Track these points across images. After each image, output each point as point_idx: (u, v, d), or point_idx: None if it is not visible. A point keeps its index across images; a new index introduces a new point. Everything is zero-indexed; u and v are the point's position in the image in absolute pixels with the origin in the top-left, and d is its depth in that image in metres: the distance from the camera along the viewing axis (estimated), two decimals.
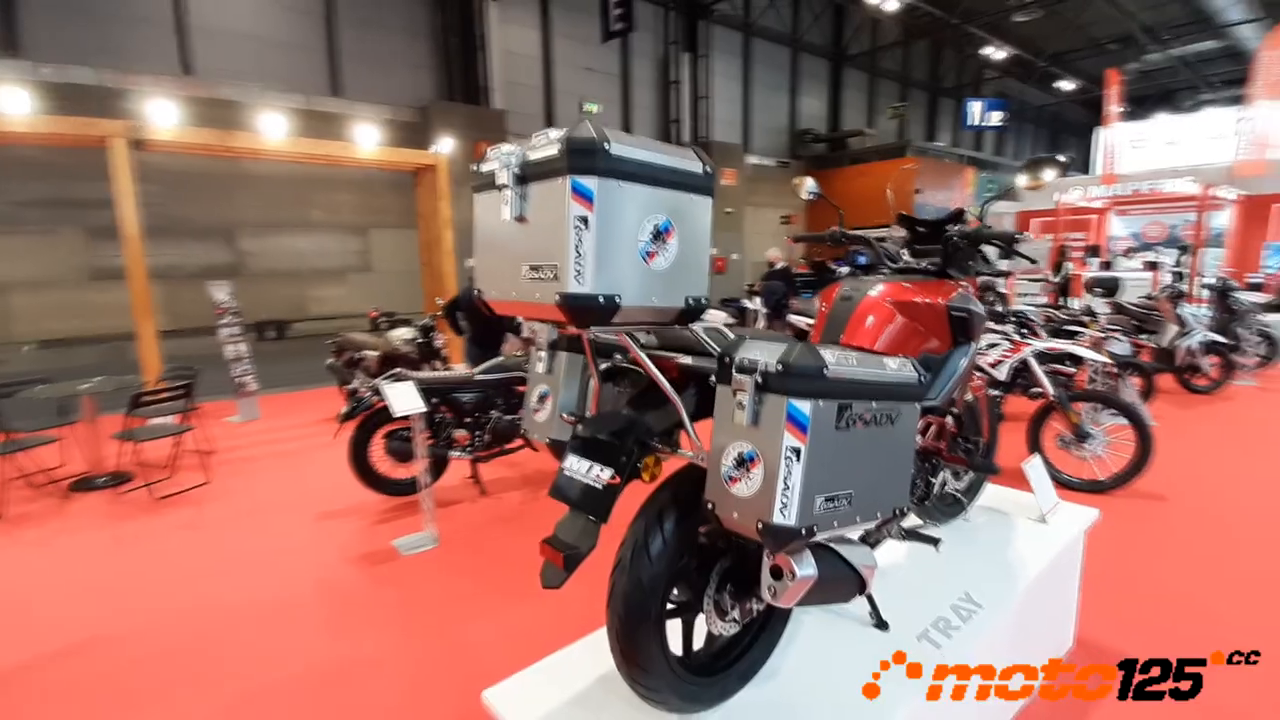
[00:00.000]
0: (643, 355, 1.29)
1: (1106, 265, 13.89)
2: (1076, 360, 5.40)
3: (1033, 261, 2.14)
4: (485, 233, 1.26)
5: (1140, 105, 23.48)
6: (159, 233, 10.30)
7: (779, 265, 8.78)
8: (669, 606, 1.43)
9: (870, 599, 1.90)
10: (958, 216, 2.12)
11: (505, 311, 1.28)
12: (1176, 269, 13.33)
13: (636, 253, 1.13)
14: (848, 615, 1.90)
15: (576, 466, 1.38)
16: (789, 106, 20.50)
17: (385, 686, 2.35)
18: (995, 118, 22.44)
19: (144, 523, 3.92)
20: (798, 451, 1.09)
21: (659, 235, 1.15)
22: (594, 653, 1.75)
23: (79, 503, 4.27)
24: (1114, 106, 17.56)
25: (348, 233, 12.47)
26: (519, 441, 4.34)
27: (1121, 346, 5.92)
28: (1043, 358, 4.49)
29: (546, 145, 1.09)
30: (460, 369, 4.78)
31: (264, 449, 5.43)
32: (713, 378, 1.37)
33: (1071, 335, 5.72)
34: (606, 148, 1.05)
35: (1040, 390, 4.22)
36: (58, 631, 2.75)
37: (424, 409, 3.46)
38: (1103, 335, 5.64)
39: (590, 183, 1.04)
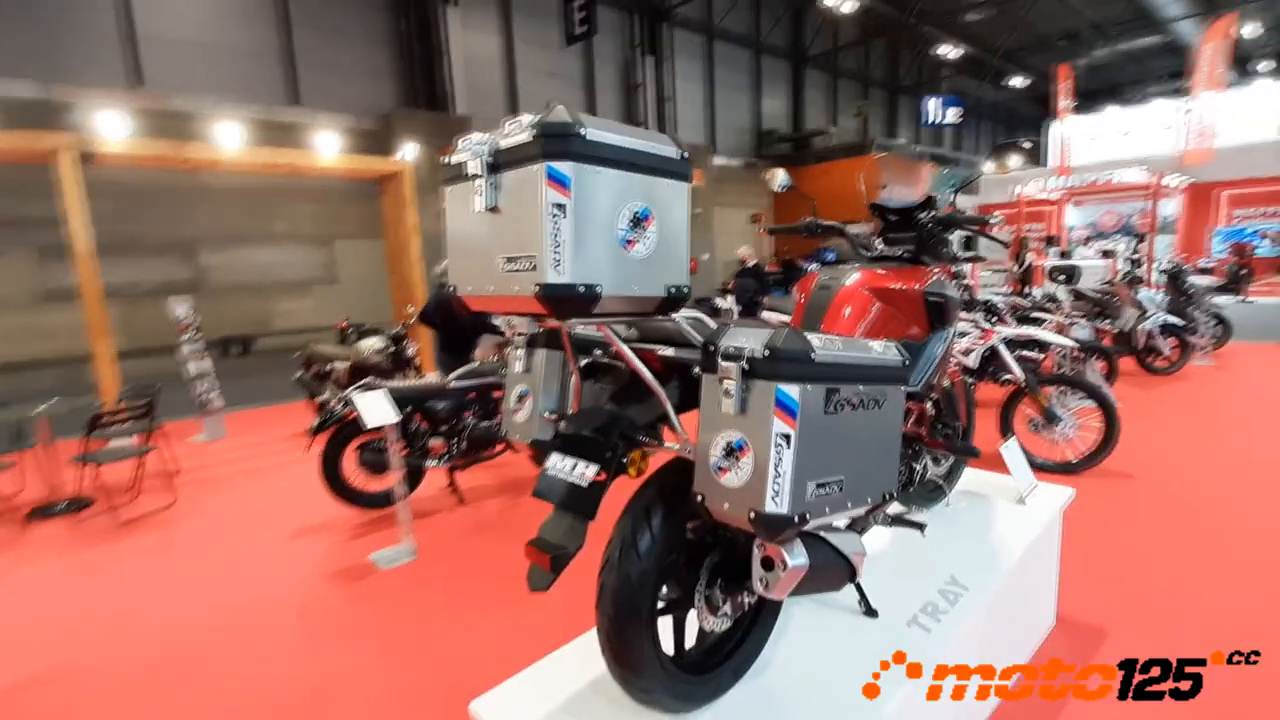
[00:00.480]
0: (624, 347, 1.26)
1: (1065, 254, 14.27)
2: (1042, 346, 5.55)
3: (1005, 244, 2.17)
4: (458, 227, 1.22)
5: (1090, 99, 24.22)
6: (113, 250, 9.94)
7: (750, 263, 8.84)
8: (659, 605, 1.40)
9: (859, 587, 1.90)
10: (929, 204, 2.14)
11: (482, 308, 1.24)
12: (1132, 256, 13.79)
13: (615, 240, 1.10)
14: (845, 614, 1.90)
15: (560, 465, 1.35)
16: (753, 107, 20.71)
17: (370, 702, 2.28)
18: (952, 114, 23.00)
19: (108, 548, 3.77)
20: (788, 438, 1.07)
21: (638, 222, 1.12)
22: (582, 657, 1.71)
23: (38, 530, 4.08)
24: (1065, 100, 18.10)
25: (312, 244, 12.21)
26: (497, 448, 4.28)
27: (1083, 331, 6.08)
28: (1011, 344, 4.58)
29: (519, 131, 1.06)
30: (433, 378, 4.69)
31: (232, 467, 5.26)
32: (696, 368, 1.36)
33: (1036, 322, 5.85)
34: (582, 132, 1.02)
35: (1010, 377, 4.30)
36: (24, 662, 2.62)
37: (397, 418, 3.38)
38: (1067, 321, 5.79)
39: (566, 168, 1.01)
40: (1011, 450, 2.66)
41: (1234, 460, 4.34)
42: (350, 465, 3.87)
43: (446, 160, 1.22)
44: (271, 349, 11.35)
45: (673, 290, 1.20)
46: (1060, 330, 5.47)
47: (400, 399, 3.65)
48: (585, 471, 1.29)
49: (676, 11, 17.45)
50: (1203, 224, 16.76)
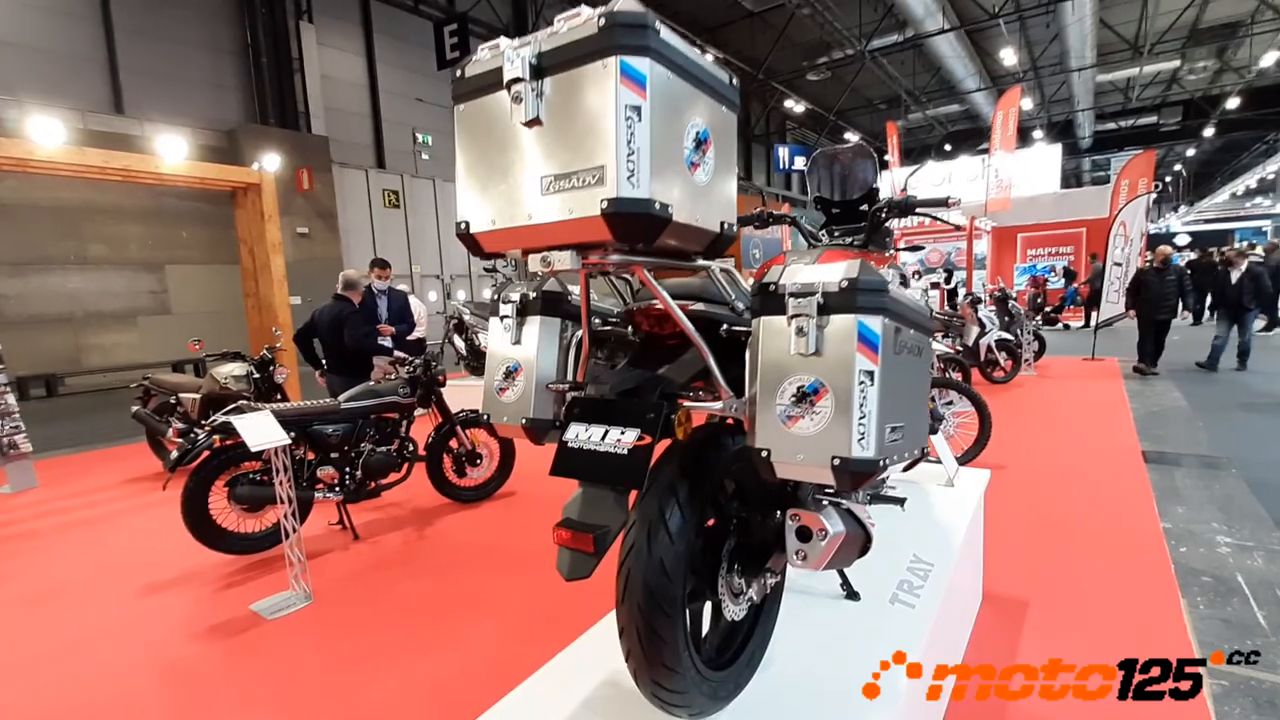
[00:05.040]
0: (665, 294, 1.13)
1: (904, 285, 15.96)
2: None
3: (958, 228, 2.31)
4: (477, 152, 1.03)
5: (908, 156, 27.70)
6: None
7: None
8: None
9: (840, 571, 1.87)
10: (872, 195, 2.23)
11: (510, 245, 1.06)
12: (949, 287, 15.78)
13: (683, 160, 0.98)
14: (829, 600, 1.85)
15: (585, 435, 1.18)
16: None
17: None
18: (800, 162, 25.24)
19: None
20: (871, 374, 1.00)
21: (699, 144, 1.01)
22: (549, 692, 1.53)
23: None
24: (893, 154, 20.51)
25: (138, 269, 10.65)
26: (394, 477, 3.86)
27: (940, 346, 6.78)
28: None
29: (579, 25, 0.91)
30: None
31: (49, 520, 4.28)
32: (725, 325, 1.26)
33: None
34: (658, 27, 0.90)
35: None
36: None
37: (287, 441, 2.93)
38: None
39: (642, 65, 0.88)
40: (936, 438, 2.81)
41: (1073, 447, 5.00)
42: (219, 503, 3.30)
43: (461, 73, 1.04)
44: (84, 389, 9.68)
45: (726, 226, 1.09)
46: None
47: (281, 422, 3.18)
48: (623, 438, 1.13)
49: None
50: (1007, 261, 19.60)
